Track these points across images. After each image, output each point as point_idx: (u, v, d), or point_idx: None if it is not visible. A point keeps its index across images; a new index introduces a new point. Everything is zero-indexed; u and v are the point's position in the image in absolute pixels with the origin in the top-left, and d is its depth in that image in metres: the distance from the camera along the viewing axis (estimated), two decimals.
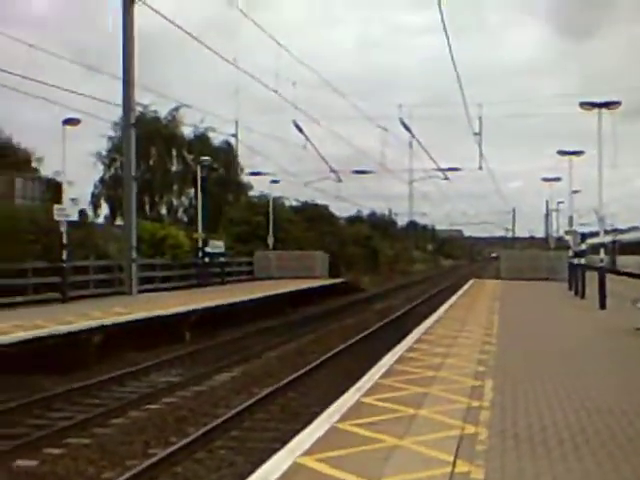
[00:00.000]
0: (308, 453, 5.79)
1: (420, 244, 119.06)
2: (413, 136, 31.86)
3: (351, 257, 59.15)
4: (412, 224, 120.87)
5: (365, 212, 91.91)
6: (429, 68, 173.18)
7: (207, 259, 33.74)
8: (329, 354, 18.52)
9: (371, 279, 56.81)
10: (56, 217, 22.46)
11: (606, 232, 23.55)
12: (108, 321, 17.48)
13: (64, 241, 22.75)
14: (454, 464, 5.50)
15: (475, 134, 33.84)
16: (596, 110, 21.84)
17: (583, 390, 8.80)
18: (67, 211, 22.91)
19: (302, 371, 16.04)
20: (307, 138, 28.91)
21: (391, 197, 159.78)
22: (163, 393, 14.02)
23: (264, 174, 43.19)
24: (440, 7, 18.87)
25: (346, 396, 8.36)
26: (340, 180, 38.15)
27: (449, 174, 40.60)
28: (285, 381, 14.83)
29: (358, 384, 9.21)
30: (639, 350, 12.74)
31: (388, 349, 13.81)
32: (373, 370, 10.63)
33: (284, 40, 26.69)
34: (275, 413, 12.59)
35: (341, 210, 78.94)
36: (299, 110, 28.34)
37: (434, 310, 22.52)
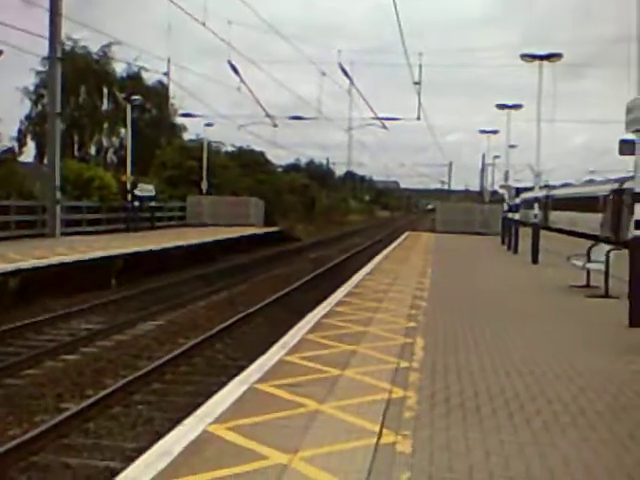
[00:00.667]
0: (220, 420, 5.29)
1: (357, 195, 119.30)
2: (352, 83, 31.07)
3: (287, 206, 58.55)
4: (350, 174, 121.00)
5: (303, 160, 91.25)
6: (375, 17, 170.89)
7: (136, 203, 32.65)
8: (258, 305, 18.05)
9: (307, 229, 56.44)
10: None
11: (540, 188, 23.47)
12: (26, 264, 16.58)
13: None
14: (380, 434, 5.08)
15: (415, 83, 33.18)
16: (537, 62, 21.56)
17: (516, 350, 8.53)
18: None
19: (230, 321, 15.54)
20: (242, 80, 27.91)
21: (329, 146, 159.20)
22: (82, 342, 13.33)
23: (197, 116, 41.76)
24: None
25: (268, 354, 7.87)
26: (275, 125, 37.17)
27: (388, 124, 39.82)
28: (212, 332, 14.32)
29: (283, 340, 8.75)
30: (573, 307, 12.60)
31: (318, 301, 13.48)
32: (300, 324, 10.19)
33: None
34: (200, 366, 12.07)
35: (279, 158, 78.21)
36: (234, 51, 27.16)
37: (367, 262, 22.28)
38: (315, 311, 11.72)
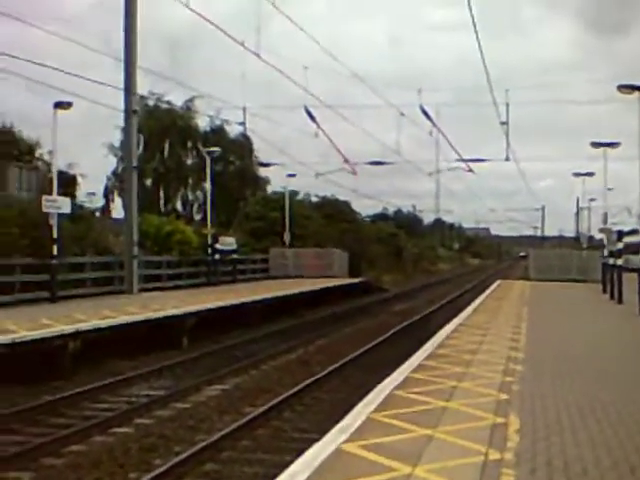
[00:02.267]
0: None
1: (446, 243, 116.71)
2: (434, 124, 29.38)
3: (373, 255, 57.19)
4: (438, 222, 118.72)
5: (391, 210, 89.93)
6: (460, 67, 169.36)
7: (217, 256, 31.92)
8: (336, 364, 16.62)
9: (394, 278, 54.82)
10: (45, 209, 20.75)
11: None
12: (87, 325, 15.69)
13: (54, 235, 21.07)
14: None
15: (502, 123, 31.22)
16: (636, 94, 19.72)
17: (624, 430, 6.81)
18: (58, 203, 21.17)
19: (302, 385, 14.17)
20: (318, 125, 26.91)
21: (417, 194, 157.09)
22: (138, 412, 12.21)
23: (275, 164, 41.02)
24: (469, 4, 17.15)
25: (324, 440, 6.44)
26: (355, 172, 35.78)
27: (474, 167, 37.69)
28: (281, 397, 12.97)
29: (342, 423, 7.28)
30: None
31: (399, 361, 11.99)
32: (368, 398, 8.70)
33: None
34: (264, 440, 10.69)
35: (365, 207, 77.04)
36: (313, 97, 26.23)
37: (455, 314, 20.62)
38: (387, 380, 10.22)
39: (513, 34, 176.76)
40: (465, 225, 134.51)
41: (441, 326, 17.82)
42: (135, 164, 25.69)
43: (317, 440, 6.76)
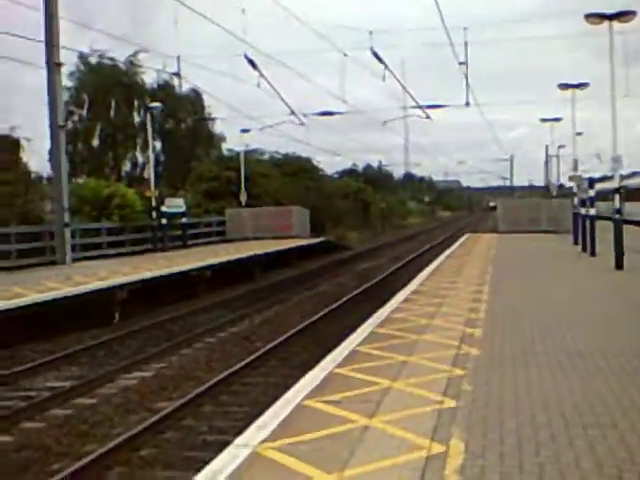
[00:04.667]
0: None
1: (417, 196, 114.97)
2: (386, 67, 26.76)
3: (338, 212, 55.14)
4: (408, 176, 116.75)
5: (361, 166, 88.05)
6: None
7: (163, 220, 29.66)
8: (279, 339, 14.69)
9: (360, 236, 52.93)
10: None
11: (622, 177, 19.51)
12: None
13: None
14: None
15: (460, 63, 28.66)
16: (606, 24, 17.73)
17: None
18: None
19: (234, 368, 12.22)
20: (261, 74, 24.52)
21: (381, 149, 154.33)
22: (29, 412, 10.16)
23: (217, 119, 38.35)
24: None
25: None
26: (302, 123, 33.31)
27: (433, 114, 34.78)
28: (205, 386, 11.01)
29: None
30: None
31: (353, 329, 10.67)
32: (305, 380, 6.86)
33: None
34: (168, 448, 8.68)
35: (334, 165, 74.82)
36: (249, 45, 23.70)
37: (416, 274, 18.81)
38: (329, 357, 8.47)
39: None
40: (435, 178, 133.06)
41: (403, 285, 16.14)
42: (62, 123, 23.29)
43: (231, 442, 5.64)
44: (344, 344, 9.30)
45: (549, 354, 8.16)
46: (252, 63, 23.54)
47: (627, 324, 10.18)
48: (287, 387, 7.83)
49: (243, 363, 12.61)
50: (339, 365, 7.95)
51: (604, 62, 18.35)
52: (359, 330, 10.33)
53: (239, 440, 5.57)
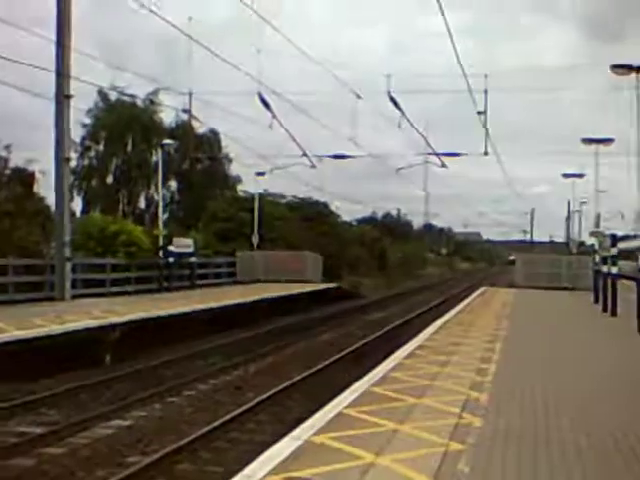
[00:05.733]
0: None
1: (436, 247, 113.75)
2: (403, 114, 25.94)
3: (354, 260, 54.27)
4: (428, 226, 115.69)
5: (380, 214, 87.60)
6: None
7: (171, 259, 28.92)
8: (274, 390, 13.73)
9: (375, 283, 51.86)
10: None
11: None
12: None
13: None
14: None
15: (479, 113, 27.72)
16: (632, 75, 16.96)
17: None
18: None
19: (219, 421, 11.28)
20: (274, 115, 23.86)
21: (410, 200, 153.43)
22: None
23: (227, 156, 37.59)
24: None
25: None
26: (314, 165, 32.50)
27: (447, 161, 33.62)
28: (182, 442, 10.07)
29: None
30: None
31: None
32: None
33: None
34: None
35: (354, 213, 74.14)
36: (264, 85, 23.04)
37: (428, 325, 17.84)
38: (318, 414, 7.58)
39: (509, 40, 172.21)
40: (455, 229, 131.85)
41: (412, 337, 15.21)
42: (67, 155, 22.78)
43: None
44: (331, 405, 8.35)
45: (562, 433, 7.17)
46: (265, 103, 22.91)
47: None
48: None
49: (230, 416, 11.68)
50: (319, 431, 7.00)
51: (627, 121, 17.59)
52: (352, 388, 9.38)
53: None
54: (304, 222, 48.14)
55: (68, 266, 22.56)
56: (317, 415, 7.84)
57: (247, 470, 5.91)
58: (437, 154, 31.45)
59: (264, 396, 13.23)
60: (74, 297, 23.06)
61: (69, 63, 22.30)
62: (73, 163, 42.96)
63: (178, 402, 13.35)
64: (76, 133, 42.17)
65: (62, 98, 21.96)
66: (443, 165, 31.47)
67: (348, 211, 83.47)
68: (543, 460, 6.09)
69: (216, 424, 11.13)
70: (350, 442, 6.51)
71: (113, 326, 17.17)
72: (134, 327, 18.17)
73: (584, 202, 54.12)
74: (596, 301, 25.04)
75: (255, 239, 37.83)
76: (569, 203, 66.67)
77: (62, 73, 21.92)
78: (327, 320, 27.50)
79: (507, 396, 8.81)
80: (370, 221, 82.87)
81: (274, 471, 5.73)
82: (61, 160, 22.29)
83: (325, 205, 54.12)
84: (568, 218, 70.14)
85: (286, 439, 6.85)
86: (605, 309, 21.66)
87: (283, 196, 50.31)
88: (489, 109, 27.68)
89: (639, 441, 6.71)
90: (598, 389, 9.57)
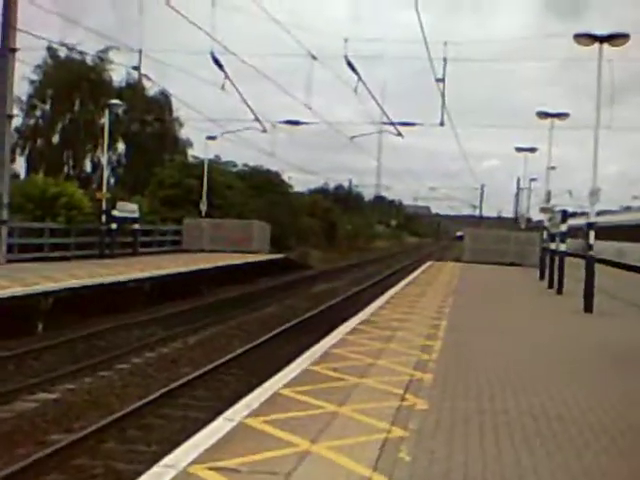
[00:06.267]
0: None
1: (385, 219, 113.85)
2: (360, 78, 25.15)
3: (304, 230, 53.75)
4: (379, 198, 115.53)
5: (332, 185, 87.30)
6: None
7: (113, 225, 27.99)
8: (208, 366, 13.19)
9: (324, 256, 51.48)
10: None
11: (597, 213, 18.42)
12: None
13: None
14: None
15: (437, 80, 27.06)
16: (596, 46, 16.60)
17: None
18: None
19: (150, 397, 10.72)
20: (227, 75, 22.96)
21: (364, 172, 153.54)
22: None
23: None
24: None
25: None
26: (265, 130, 31.63)
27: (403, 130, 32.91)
28: (109, 419, 9.49)
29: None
30: None
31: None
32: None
33: None
34: None
35: (307, 182, 73.55)
36: (217, 42, 22.11)
37: (371, 300, 17.46)
38: (252, 394, 7.11)
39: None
40: (405, 202, 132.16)
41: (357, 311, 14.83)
42: (10, 112, 21.67)
43: None
44: (268, 384, 7.87)
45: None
46: (218, 62, 22.00)
47: (601, 380, 8.90)
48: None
49: (164, 389, 11.15)
50: (253, 412, 6.52)
51: (581, 99, 17.28)
52: (290, 367, 8.91)
53: None
54: (254, 190, 47.43)
55: (4, 229, 21.55)
56: (252, 395, 7.36)
57: (171, 457, 5.37)
58: (392, 123, 30.86)
59: (201, 371, 12.72)
60: (10, 262, 22.10)
61: (16, 14, 21.12)
62: (18, 121, 41.51)
63: (110, 375, 12.73)
64: (22, 90, 40.61)
65: (7, 51, 20.79)
66: (399, 134, 30.86)
67: (301, 181, 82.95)
68: (491, 445, 5.71)
69: (147, 400, 10.59)
70: (285, 426, 6.04)
71: (47, 293, 16.37)
72: (70, 295, 17.43)
73: (534, 179, 54.44)
74: (542, 277, 25.06)
75: (203, 206, 36.98)
76: (519, 179, 67.17)
77: (8, 24, 20.76)
78: (272, 292, 26.96)
79: (453, 377, 8.44)
80: (322, 192, 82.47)
81: (200, 459, 5.22)
82: (3, 117, 21.16)
83: (276, 174, 53.46)
84: (517, 194, 70.71)
85: (219, 420, 6.36)
86: (551, 286, 21.62)
87: (235, 164, 49.46)
88: (447, 80, 27.07)
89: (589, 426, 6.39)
90: (541, 371, 9.27)
